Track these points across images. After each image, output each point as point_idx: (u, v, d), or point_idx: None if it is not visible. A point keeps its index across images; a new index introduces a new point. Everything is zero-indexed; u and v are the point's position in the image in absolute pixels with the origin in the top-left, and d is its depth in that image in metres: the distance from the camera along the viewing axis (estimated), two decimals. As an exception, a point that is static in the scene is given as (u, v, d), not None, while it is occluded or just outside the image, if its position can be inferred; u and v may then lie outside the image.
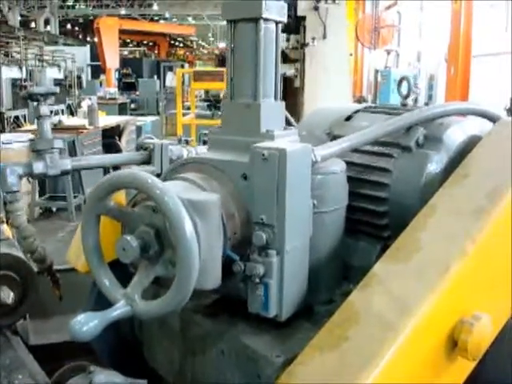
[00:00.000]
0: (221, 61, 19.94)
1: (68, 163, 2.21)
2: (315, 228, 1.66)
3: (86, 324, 1.39)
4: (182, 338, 1.89)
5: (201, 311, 1.80)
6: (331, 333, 1.42)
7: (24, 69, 18.47)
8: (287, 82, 10.83)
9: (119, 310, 1.47)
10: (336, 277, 1.81)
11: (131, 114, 17.97)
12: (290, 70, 10.77)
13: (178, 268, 1.41)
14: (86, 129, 9.28)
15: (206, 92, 13.86)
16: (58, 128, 8.57)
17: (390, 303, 1.43)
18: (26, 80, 17.99)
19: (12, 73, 17.78)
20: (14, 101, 16.94)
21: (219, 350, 1.70)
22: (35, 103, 2.20)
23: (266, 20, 1.70)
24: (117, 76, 26.56)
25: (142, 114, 19.03)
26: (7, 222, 2.63)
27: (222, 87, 9.89)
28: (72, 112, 16.97)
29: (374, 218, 1.89)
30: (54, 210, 8.74)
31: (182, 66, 30.36)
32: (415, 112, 1.90)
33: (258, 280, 1.54)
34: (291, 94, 9.98)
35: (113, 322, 1.47)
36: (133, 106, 23.23)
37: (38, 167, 2.14)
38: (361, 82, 19.31)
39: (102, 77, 25.19)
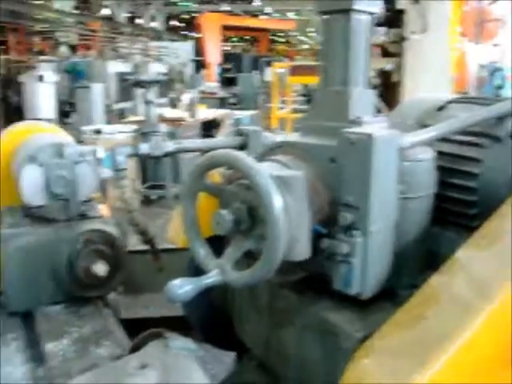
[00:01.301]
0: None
1: (170, 145, 2.36)
2: (401, 213, 1.70)
3: (182, 287, 1.54)
4: (269, 311, 1.99)
5: (288, 286, 1.90)
6: (410, 312, 1.47)
7: (130, 64, 19.18)
8: (386, 76, 10.67)
9: (212, 278, 1.61)
10: (420, 263, 1.84)
11: (230, 108, 18.29)
12: (388, 65, 10.59)
13: (266, 240, 1.52)
14: (185, 121, 9.60)
15: (305, 86, 13.88)
16: (159, 120, 8.93)
17: (470, 287, 1.46)
18: (131, 74, 18.69)
19: (118, 67, 18.55)
20: (120, 94, 17.67)
21: (302, 323, 1.78)
22: (142, 90, 2.42)
23: (357, 11, 1.76)
24: (218, 71, 26.99)
25: (241, 109, 19.33)
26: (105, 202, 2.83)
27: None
28: (174, 105, 17.52)
29: (463, 207, 1.90)
30: (154, 198, 9.10)
31: (281, 61, 30.49)
32: (506, 102, 1.89)
33: (341, 258, 1.62)
34: (390, 88, 9.82)
35: (205, 288, 1.60)
36: (232, 100, 23.60)
37: (144, 148, 2.32)
38: (465, 77, 18.65)
39: (204, 72, 25.69)
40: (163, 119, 9.32)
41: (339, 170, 1.64)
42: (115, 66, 18.42)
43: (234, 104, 23.29)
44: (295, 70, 9.74)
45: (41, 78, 15.10)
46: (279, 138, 2.47)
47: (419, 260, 1.83)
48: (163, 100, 17.54)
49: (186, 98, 13.11)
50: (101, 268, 2.46)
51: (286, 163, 1.72)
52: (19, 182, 2.51)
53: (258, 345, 2.10)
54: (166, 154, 2.40)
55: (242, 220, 1.62)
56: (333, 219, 1.66)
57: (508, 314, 1.38)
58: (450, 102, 2.17)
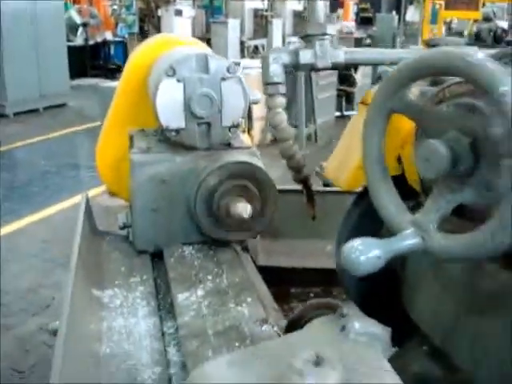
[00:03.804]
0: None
1: (341, 54, 1.86)
2: None
3: (366, 253, 1.04)
4: (463, 289, 1.47)
5: (496, 261, 1.34)
6: None
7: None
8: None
9: (408, 240, 1.10)
10: None
11: (366, 49, 17.52)
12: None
13: (502, 192, 0.98)
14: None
15: (448, 28, 12.83)
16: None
17: None
18: (267, 10, 18.32)
19: (254, 3, 18.23)
20: (255, 30, 17.48)
21: None
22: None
23: None
24: (355, 10, 26.14)
25: (377, 51, 18.51)
26: (249, 132, 2.41)
27: (476, 16, 8.87)
28: (307, 44, 17.08)
29: None
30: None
31: None
32: None
33: None
34: None
35: (399, 255, 1.11)
36: (368, 41, 22.76)
37: (306, 56, 1.83)
38: None
39: (340, 11, 24.93)
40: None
41: None
42: (251, 2, 18.30)
43: (370, 45, 22.36)
44: (450, 4, 8.75)
45: (179, 13, 15.07)
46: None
47: None
48: (296, 38, 17.12)
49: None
50: (244, 207, 2.04)
51: None
52: (155, 100, 2.13)
53: (437, 329, 1.59)
54: (335, 67, 1.90)
55: (460, 157, 1.09)
56: None
57: None
58: None
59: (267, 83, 1.83)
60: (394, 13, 25.96)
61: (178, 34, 2.95)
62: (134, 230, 2.23)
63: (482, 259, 1.30)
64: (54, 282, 4.18)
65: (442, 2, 9.74)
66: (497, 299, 1.34)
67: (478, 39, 10.42)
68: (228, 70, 2.13)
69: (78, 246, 1.92)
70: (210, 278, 2.00)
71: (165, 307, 1.90)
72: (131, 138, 2.37)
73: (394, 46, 20.77)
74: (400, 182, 1.39)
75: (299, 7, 21.37)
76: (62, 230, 4.99)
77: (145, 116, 2.39)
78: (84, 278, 1.87)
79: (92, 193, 4.82)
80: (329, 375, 0.93)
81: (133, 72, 2.54)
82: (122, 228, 2.34)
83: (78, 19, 15.09)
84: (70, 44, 13.22)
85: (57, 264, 4.45)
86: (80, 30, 15.16)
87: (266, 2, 18.81)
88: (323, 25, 1.82)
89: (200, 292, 1.90)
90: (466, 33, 13.11)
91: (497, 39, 10.60)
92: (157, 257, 2.22)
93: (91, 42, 15.52)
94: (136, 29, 15.37)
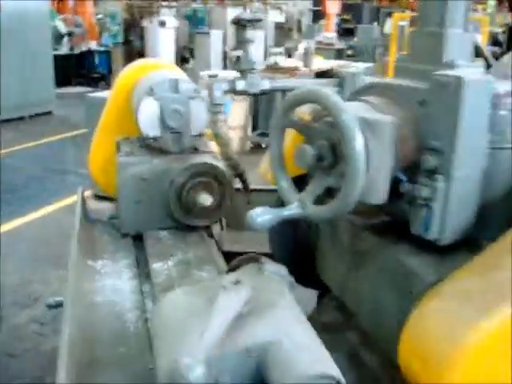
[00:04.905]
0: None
1: (267, 83, 2.47)
2: (493, 163, 1.68)
3: (262, 216, 1.63)
4: (348, 252, 2.05)
5: (369, 229, 1.94)
6: (485, 260, 1.49)
7: (248, 11, 19.32)
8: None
9: (292, 210, 1.70)
10: (510, 217, 1.82)
11: (347, 60, 18.03)
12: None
13: (345, 178, 1.58)
14: (299, 70, 9.63)
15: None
16: (273, 68, 9.05)
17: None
18: (248, 21, 18.89)
19: (236, 14, 18.77)
20: (237, 42, 17.95)
21: (379, 266, 1.83)
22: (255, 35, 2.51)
23: None
24: (336, 21, 26.49)
25: (358, 61, 18.99)
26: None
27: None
28: (290, 55, 17.54)
29: None
30: (264, 146, 9.27)
31: (403, 12, 29.42)
32: None
33: (421, 202, 1.63)
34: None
35: (286, 219, 1.69)
36: (350, 52, 23.20)
37: (240, 85, 2.44)
38: None
39: (322, 22, 25.34)
40: (277, 68, 9.42)
41: (428, 113, 1.64)
42: (234, 13, 18.63)
43: (352, 56, 22.88)
44: (415, 22, 9.40)
45: (162, 24, 15.46)
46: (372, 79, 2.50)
47: (508, 213, 1.78)
48: (279, 49, 17.65)
49: (301, 47, 13.07)
50: (206, 198, 2.63)
51: (376, 105, 1.75)
52: (137, 114, 2.71)
53: (336, 284, 2.18)
54: (263, 93, 2.51)
55: (324, 156, 1.68)
56: (418, 164, 1.66)
57: None
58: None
59: (212, 104, 2.45)
60: (375, 24, 26.55)
61: (156, 59, 3.54)
62: (120, 218, 2.80)
63: (359, 227, 1.91)
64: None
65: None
66: (368, 256, 1.93)
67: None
68: (195, 91, 2.72)
69: (77, 229, 2.51)
70: (179, 253, 2.56)
71: (143, 274, 2.46)
72: (118, 145, 2.95)
73: (373, 58, 21.34)
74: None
75: (281, 19, 21.89)
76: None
77: (129, 127, 2.93)
78: (82, 253, 2.44)
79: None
80: (242, 289, 1.53)
81: (119, 91, 3.13)
82: (110, 219, 2.93)
83: (63, 28, 15.33)
84: (55, 53, 13.49)
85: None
86: (65, 39, 15.46)
87: (249, 13, 19.42)
88: (253, 62, 2.45)
89: (171, 263, 2.46)
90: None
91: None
92: (138, 239, 2.79)
93: (76, 51, 15.85)
94: (120, 39, 15.79)
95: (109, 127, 3.20)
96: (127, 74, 3.17)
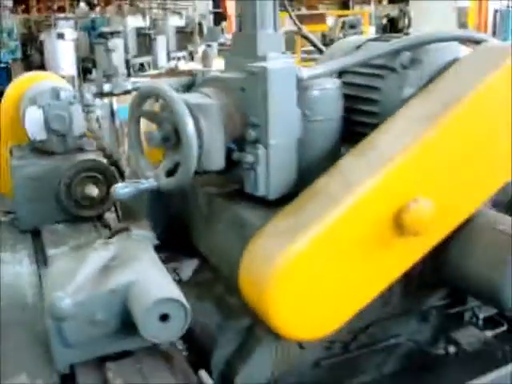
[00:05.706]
0: (344, 3, 20.24)
1: (129, 84, 2.89)
2: (309, 133, 2.12)
3: (123, 188, 2.02)
4: (206, 216, 2.43)
5: (221, 196, 2.34)
6: (296, 205, 1.94)
7: (148, 18, 19.49)
8: (393, 22, 10.89)
9: (148, 183, 2.09)
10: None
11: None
12: (394, 11, 10.80)
13: (182, 154, 2.00)
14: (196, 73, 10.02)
15: (323, 36, 14.06)
16: (173, 72, 9.40)
17: (340, 185, 1.91)
18: (149, 28, 18.99)
19: (137, 22, 18.84)
20: (139, 49, 18.05)
21: (225, 221, 2.24)
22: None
23: None
24: (237, 23, 26.82)
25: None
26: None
27: (323, 29, 10.28)
28: (192, 58, 17.84)
29: (368, 129, 2.23)
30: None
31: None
32: (403, 39, 2.27)
33: (248, 166, 2.07)
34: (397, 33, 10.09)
35: (142, 190, 2.09)
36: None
37: (106, 87, 2.85)
38: (485, 24, 18.54)
39: (224, 24, 25.71)
40: (177, 71, 9.77)
41: (247, 97, 2.08)
42: (134, 21, 18.65)
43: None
44: (301, 20, 10.04)
45: (61, 36, 15.42)
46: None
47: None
48: (181, 53, 17.97)
49: (200, 50, 13.47)
50: (93, 190, 3.00)
51: (208, 94, 2.16)
52: (24, 122, 3.04)
53: (202, 246, 2.54)
54: (126, 92, 2.96)
55: (170, 138, 2.07)
56: (244, 137, 2.08)
57: (367, 202, 1.84)
58: (368, 41, 2.56)
59: (85, 105, 2.84)
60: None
61: (41, 72, 3.87)
62: (17, 216, 3.12)
63: (214, 195, 2.32)
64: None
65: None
66: (218, 215, 2.31)
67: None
68: (74, 97, 3.08)
69: None
70: (72, 240, 2.92)
71: (40, 261, 2.80)
72: (11, 151, 3.26)
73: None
74: None
75: (181, 23, 22.17)
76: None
77: (21, 134, 3.23)
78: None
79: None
80: (110, 247, 1.92)
81: (8, 104, 3.46)
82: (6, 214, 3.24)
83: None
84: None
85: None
86: (-37, 57, 15.31)
87: (147, 21, 19.47)
88: (116, 68, 2.87)
89: (65, 248, 2.82)
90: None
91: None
92: (36, 235, 3.10)
93: (-25, 69, 15.66)
94: (19, 54, 15.74)
95: (4, 138, 3.51)
96: (14, 87, 3.49)
